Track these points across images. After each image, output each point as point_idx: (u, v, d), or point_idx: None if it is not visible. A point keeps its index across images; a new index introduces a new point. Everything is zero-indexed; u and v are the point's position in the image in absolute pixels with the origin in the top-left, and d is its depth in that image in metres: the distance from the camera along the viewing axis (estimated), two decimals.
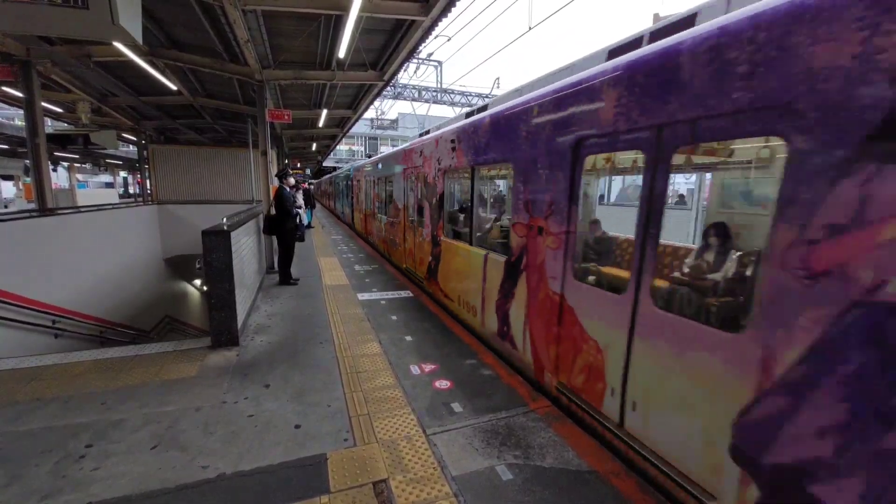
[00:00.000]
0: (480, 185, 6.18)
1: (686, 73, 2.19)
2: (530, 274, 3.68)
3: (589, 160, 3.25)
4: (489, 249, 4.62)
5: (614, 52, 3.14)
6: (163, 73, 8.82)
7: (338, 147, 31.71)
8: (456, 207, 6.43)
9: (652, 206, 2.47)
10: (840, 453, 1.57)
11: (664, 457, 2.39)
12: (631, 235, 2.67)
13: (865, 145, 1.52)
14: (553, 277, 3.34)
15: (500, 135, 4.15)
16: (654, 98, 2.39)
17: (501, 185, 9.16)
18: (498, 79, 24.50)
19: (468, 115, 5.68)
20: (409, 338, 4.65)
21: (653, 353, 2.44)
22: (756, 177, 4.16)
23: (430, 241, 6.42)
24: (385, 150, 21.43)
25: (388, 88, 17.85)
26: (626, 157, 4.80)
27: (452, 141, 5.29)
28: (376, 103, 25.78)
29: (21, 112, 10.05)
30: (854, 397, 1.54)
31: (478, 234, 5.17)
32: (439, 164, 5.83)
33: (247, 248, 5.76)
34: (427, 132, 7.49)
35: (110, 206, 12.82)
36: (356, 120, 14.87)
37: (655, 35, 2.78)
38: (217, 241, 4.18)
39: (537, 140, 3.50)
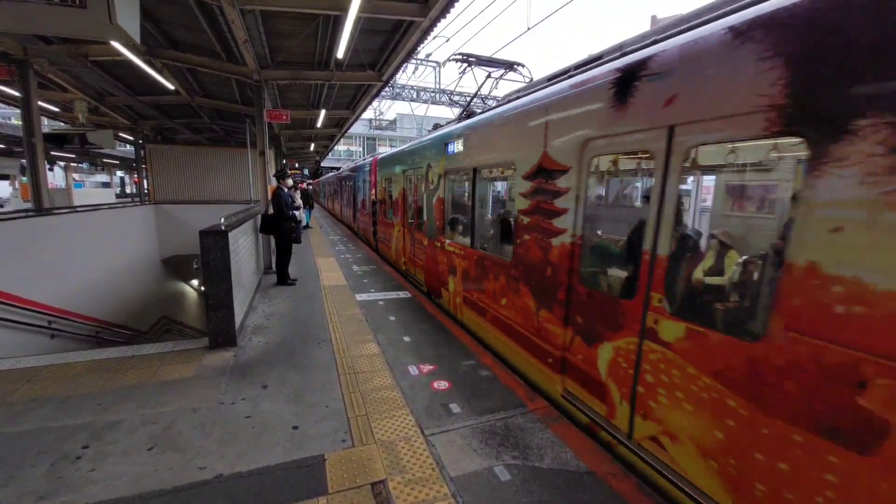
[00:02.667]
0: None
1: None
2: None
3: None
4: None
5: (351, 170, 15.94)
6: (160, 72, 8.79)
7: (336, 147, 31.68)
8: None
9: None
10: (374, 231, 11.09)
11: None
12: None
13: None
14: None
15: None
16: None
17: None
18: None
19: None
20: (407, 338, 4.65)
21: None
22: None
23: None
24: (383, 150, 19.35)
25: (387, 89, 17.85)
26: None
27: None
28: (375, 103, 25.74)
29: (18, 111, 9.99)
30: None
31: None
32: None
33: (244, 249, 5.74)
34: None
35: (107, 206, 12.76)
36: (354, 120, 14.87)
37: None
38: (215, 241, 4.17)
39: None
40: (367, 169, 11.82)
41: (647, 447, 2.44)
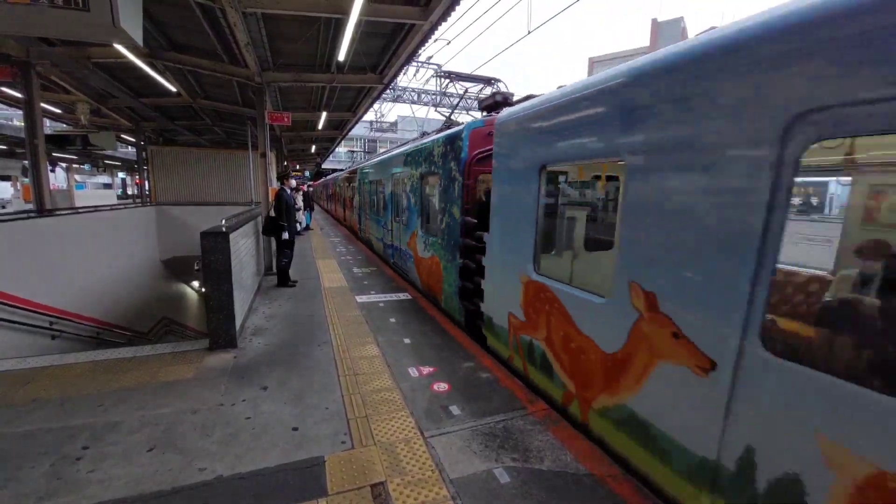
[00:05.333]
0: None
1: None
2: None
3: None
4: None
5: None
6: (162, 74, 8.83)
7: (337, 149, 31.74)
8: None
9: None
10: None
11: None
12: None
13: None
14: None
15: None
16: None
17: None
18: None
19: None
20: (407, 340, 4.65)
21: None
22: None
23: None
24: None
25: (388, 91, 17.92)
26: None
27: None
28: (375, 106, 25.83)
29: (20, 112, 10.03)
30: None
31: None
32: None
33: (245, 250, 5.75)
34: None
35: (108, 208, 12.79)
36: (356, 122, 14.91)
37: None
38: (216, 242, 4.18)
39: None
40: (329, 182, 26.35)
41: (362, 228, 12.91)
